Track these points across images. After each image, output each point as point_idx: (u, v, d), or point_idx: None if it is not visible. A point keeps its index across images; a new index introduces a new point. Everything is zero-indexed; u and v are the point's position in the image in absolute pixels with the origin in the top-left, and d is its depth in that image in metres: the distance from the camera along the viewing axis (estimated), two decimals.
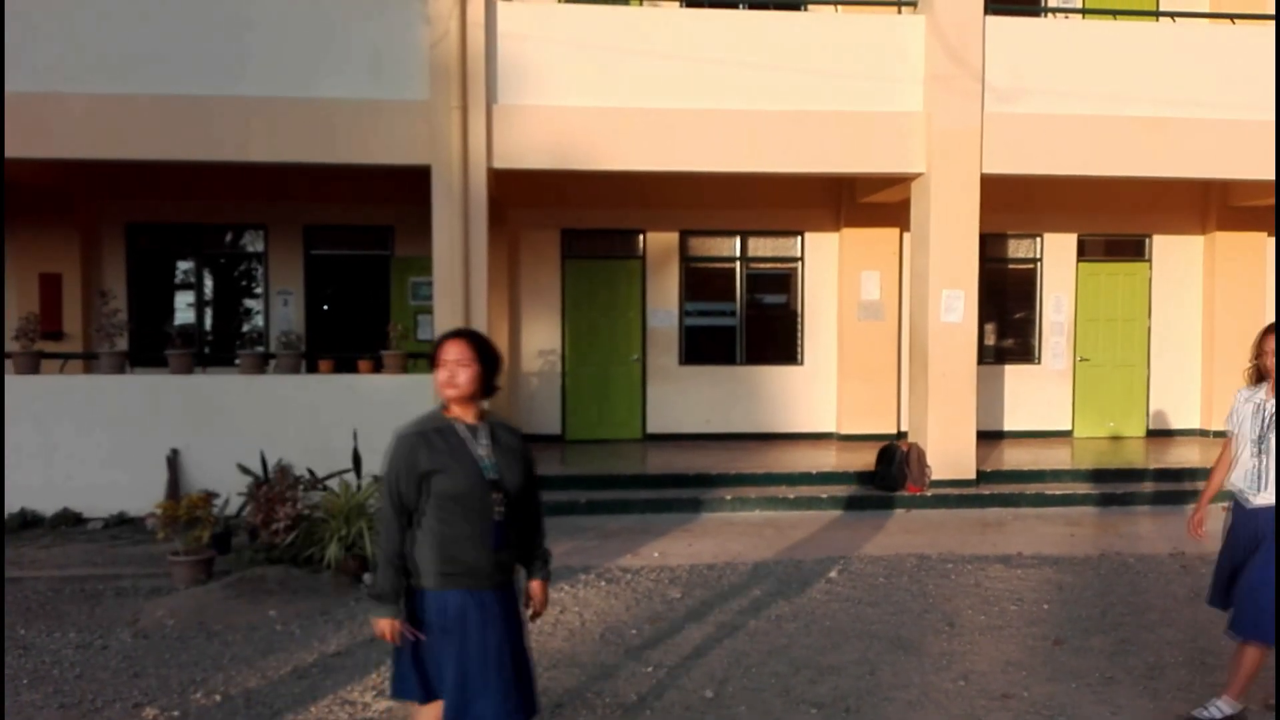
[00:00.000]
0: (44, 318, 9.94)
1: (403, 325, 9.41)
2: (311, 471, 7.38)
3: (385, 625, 3.11)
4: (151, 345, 10.75)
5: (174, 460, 8.56)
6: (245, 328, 11.74)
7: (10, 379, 8.33)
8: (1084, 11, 10.83)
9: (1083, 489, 9.43)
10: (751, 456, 10.43)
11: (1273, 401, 4.24)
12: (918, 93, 9.19)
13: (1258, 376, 4.36)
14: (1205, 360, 12.08)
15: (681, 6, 10.40)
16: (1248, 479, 4.29)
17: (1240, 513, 4.35)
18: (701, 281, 11.98)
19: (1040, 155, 9.28)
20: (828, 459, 10.44)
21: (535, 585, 3.37)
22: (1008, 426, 11.89)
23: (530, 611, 3.36)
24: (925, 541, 7.86)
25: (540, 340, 11.60)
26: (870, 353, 11.61)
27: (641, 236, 11.78)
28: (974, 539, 7.96)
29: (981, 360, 10.45)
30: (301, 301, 11.50)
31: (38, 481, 8.38)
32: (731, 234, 11.92)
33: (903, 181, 9.70)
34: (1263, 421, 4.24)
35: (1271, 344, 4.21)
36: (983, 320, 11.05)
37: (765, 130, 8.97)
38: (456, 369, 3.12)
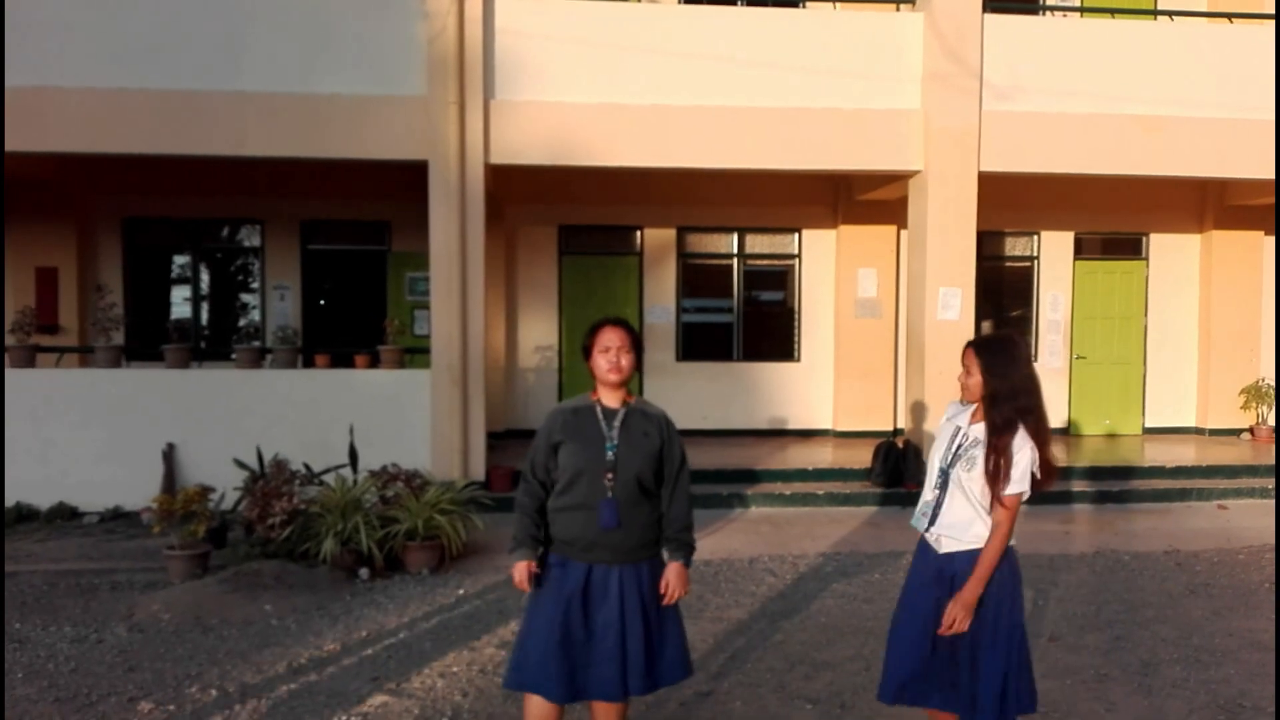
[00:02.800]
0: (40, 311, 9.93)
1: (399, 320, 9.42)
2: (308, 466, 7.39)
3: (518, 568, 3.34)
4: (148, 339, 10.74)
5: (170, 454, 8.55)
6: (242, 322, 11.74)
7: (6, 373, 8.32)
8: (1082, 10, 10.83)
9: (1078, 486, 9.45)
10: (748, 453, 10.44)
11: (977, 427, 3.38)
12: (915, 90, 9.19)
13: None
14: (1201, 358, 12.10)
15: (680, 3, 10.38)
16: (924, 513, 3.44)
17: (923, 557, 3.48)
18: (699, 278, 11.99)
19: (1037, 153, 9.29)
20: (824, 456, 10.45)
21: (669, 568, 3.41)
22: None
23: (664, 592, 3.37)
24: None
25: (537, 336, 11.60)
26: (867, 350, 11.62)
27: (639, 233, 11.78)
28: None
29: None
30: (298, 296, 11.49)
31: (33, 475, 8.37)
32: (729, 231, 11.93)
33: (900, 179, 9.71)
34: (955, 449, 3.40)
35: (971, 361, 3.38)
36: (979, 318, 11.05)
37: (763, 127, 8.96)
38: (621, 354, 3.36)
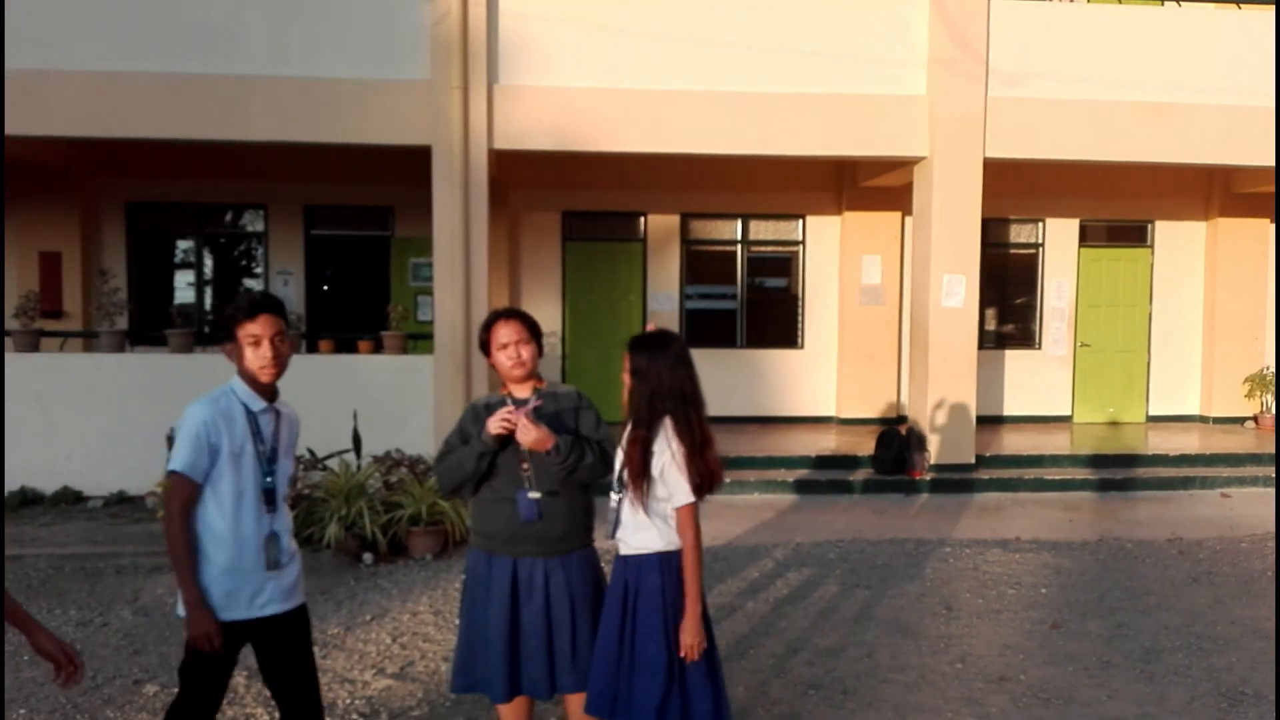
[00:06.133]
0: (44, 296, 9.93)
1: (403, 306, 9.40)
2: (311, 451, 7.39)
3: (492, 420, 3.18)
4: (151, 324, 10.74)
5: (173, 439, 8.55)
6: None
7: (10, 357, 8.33)
8: None
9: (1082, 474, 9.45)
10: (751, 440, 10.44)
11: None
12: (921, 76, 9.14)
13: None
14: (1206, 346, 12.07)
15: None
16: (610, 519, 3.27)
17: (615, 560, 3.30)
18: (702, 264, 11.96)
19: (1043, 140, 9.25)
20: (827, 443, 10.45)
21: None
22: (1007, 411, 11.90)
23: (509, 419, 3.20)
24: (923, 525, 7.87)
25: (540, 322, 11.50)
26: (871, 337, 11.60)
27: (642, 219, 11.75)
28: (972, 523, 7.97)
29: (982, 345, 10.44)
30: (301, 282, 11.49)
31: (38, 460, 8.39)
32: (733, 217, 11.89)
33: (905, 165, 9.67)
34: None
35: (625, 359, 3.25)
36: (984, 305, 11.03)
37: (767, 112, 8.92)
38: (520, 348, 3.34)
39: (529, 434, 3.17)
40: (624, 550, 3.24)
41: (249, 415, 3.03)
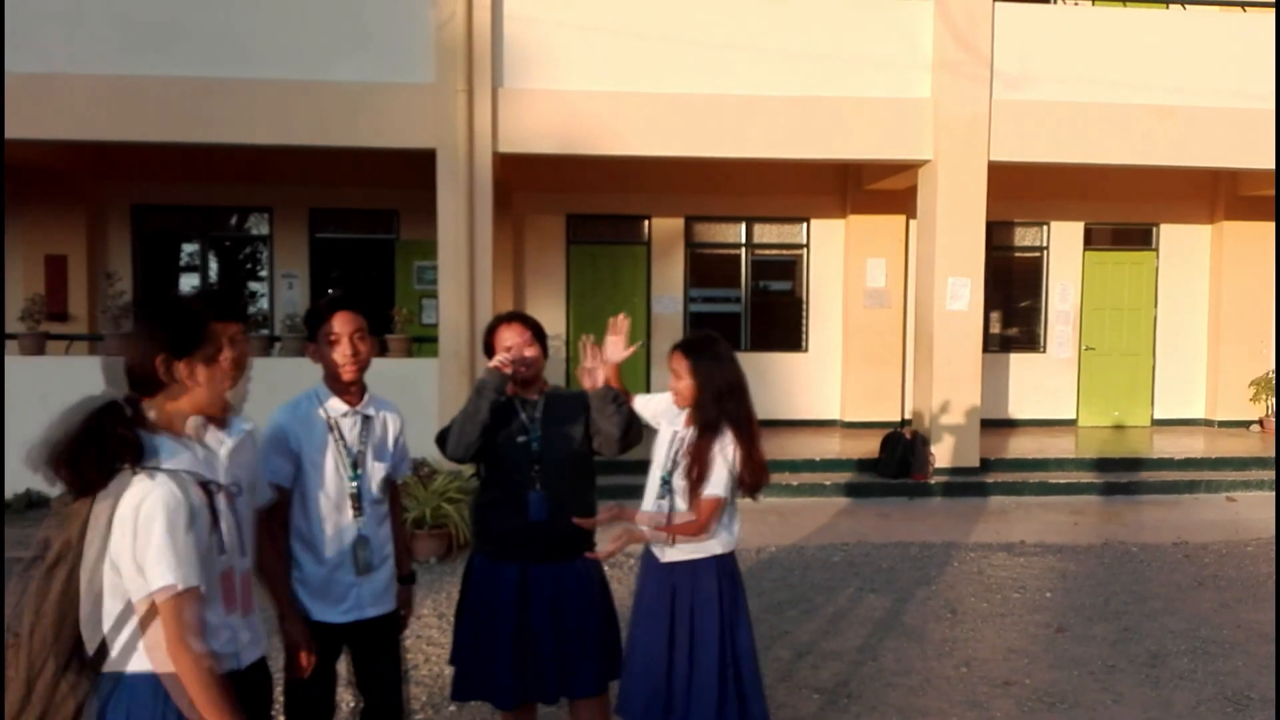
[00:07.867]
0: (50, 299, 9.94)
1: (407, 309, 9.41)
2: None
3: (491, 366, 3.32)
4: None
5: None
6: (250, 310, 11.75)
7: (16, 360, 8.35)
8: None
9: (1087, 478, 9.43)
10: None
11: (690, 431, 3.22)
12: (926, 79, 9.14)
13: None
14: (1211, 350, 12.04)
15: None
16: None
17: (650, 568, 3.29)
18: (707, 268, 11.96)
19: (1048, 143, 9.24)
20: (832, 446, 10.44)
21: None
22: (1012, 415, 11.88)
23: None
24: (928, 529, 7.86)
25: (544, 325, 11.50)
26: (875, 340, 11.59)
27: (647, 222, 11.76)
28: (977, 527, 7.96)
29: (987, 348, 10.43)
30: (306, 284, 11.50)
31: None
32: (737, 220, 11.90)
33: (910, 168, 9.67)
34: (674, 455, 3.26)
35: (680, 364, 3.24)
36: (988, 308, 11.02)
37: (772, 116, 8.92)
38: (524, 350, 3.35)
39: (616, 353, 3.45)
40: (673, 556, 3.17)
41: (329, 419, 3.02)
